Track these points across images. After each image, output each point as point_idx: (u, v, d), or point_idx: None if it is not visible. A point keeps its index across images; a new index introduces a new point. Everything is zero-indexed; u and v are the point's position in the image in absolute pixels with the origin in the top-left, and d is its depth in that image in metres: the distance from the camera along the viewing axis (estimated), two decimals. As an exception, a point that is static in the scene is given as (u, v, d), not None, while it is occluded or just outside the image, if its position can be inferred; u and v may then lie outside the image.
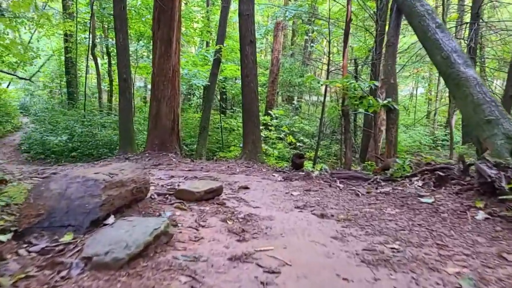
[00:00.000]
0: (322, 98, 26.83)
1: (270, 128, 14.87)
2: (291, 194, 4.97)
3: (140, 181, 3.82)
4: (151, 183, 5.86)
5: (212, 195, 4.50)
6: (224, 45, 14.77)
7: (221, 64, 15.71)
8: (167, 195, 4.45)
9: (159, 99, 10.43)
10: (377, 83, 7.09)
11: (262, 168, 7.45)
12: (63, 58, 24.34)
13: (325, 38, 18.83)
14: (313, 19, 17.68)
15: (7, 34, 21.65)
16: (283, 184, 5.57)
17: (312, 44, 23.49)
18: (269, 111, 14.81)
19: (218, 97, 18.27)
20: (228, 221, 3.64)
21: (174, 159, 9.46)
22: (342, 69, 8.17)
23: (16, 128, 22.02)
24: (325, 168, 7.24)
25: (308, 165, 12.47)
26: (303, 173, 6.47)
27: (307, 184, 5.59)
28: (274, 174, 6.49)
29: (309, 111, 25.28)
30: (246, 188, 5.29)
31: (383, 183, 5.76)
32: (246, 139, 9.13)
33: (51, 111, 20.32)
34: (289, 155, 16.23)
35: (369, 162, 12.13)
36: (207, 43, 22.22)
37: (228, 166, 7.79)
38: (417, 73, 25.88)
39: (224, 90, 17.10)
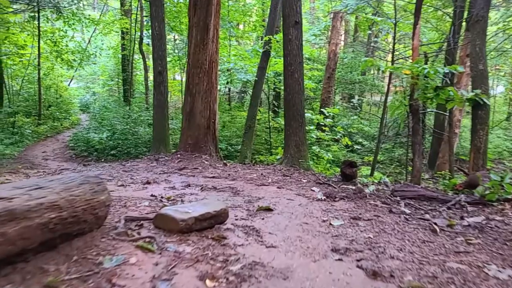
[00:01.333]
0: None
1: (323, 128, 13.12)
2: (330, 224, 3.32)
3: (76, 206, 2.39)
4: (152, 196, 4.51)
5: (209, 223, 2.99)
6: (275, 36, 13.26)
7: (270, 57, 14.21)
8: (143, 222, 3.01)
9: (193, 94, 9.14)
10: (461, 69, 5.18)
11: (302, 178, 5.82)
12: (120, 56, 24.25)
13: (390, 31, 16.67)
14: (377, 10, 15.64)
15: (66, 32, 21.78)
16: (322, 206, 3.92)
17: (375, 39, 21.27)
18: (322, 109, 13.07)
19: (268, 94, 16.82)
20: (209, 281, 2.13)
21: (206, 162, 8.11)
22: (412, 51, 6.29)
23: (73, 125, 22.02)
24: (385, 181, 5.46)
25: (365, 171, 10.58)
26: (353, 188, 4.78)
27: (357, 206, 3.89)
28: (313, 188, 4.84)
29: (370, 111, 23.00)
30: (269, 210, 3.72)
31: (470, 209, 3.91)
32: (288, 141, 7.54)
33: (103, 109, 20.04)
34: (345, 158, 14.34)
35: (442, 172, 10.05)
36: (262, 38, 20.85)
37: (262, 174, 6.26)
38: (497, 69, 22.67)
39: (276, 86, 15.57)
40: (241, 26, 25.29)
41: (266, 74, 14.26)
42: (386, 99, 8.19)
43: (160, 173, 6.76)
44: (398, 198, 4.32)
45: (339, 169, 11.01)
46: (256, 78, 13.22)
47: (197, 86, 9.11)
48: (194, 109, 9.10)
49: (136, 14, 18.22)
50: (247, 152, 12.72)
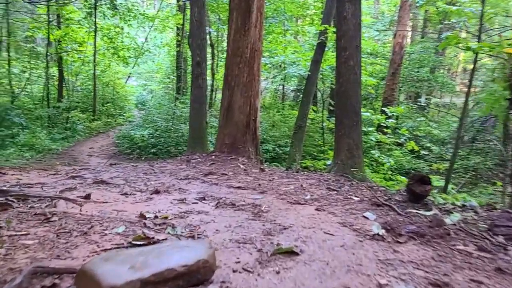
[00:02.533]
0: (456, 99, 21.68)
1: (385, 130, 11.36)
2: (393, 295, 1.89)
3: None
4: (144, 213, 3.32)
5: (174, 286, 1.70)
6: (331, 24, 11.74)
7: (326, 51, 12.68)
8: (64, 276, 1.78)
9: (231, 86, 7.93)
10: None
11: (354, 194, 4.34)
12: (175, 53, 23.81)
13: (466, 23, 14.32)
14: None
15: (122, 29, 21.66)
16: (379, 251, 2.46)
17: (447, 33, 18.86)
18: (384, 108, 11.32)
19: (323, 91, 15.21)
20: None
21: (241, 166, 6.85)
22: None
23: (127, 121, 21.83)
24: (472, 204, 3.86)
25: (435, 181, 8.73)
26: (428, 216, 3.25)
27: (438, 256, 2.38)
28: (367, 213, 3.36)
29: (438, 114, 20.49)
30: (292, 253, 2.35)
31: None
32: (339, 143, 6.03)
33: (155, 106, 19.58)
34: (409, 165, 12.42)
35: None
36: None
37: (301, 186, 4.86)
38: None
39: (332, 82, 13.97)
40: (300, 21, 23.82)
41: (321, 69, 12.74)
42: (468, 95, 6.41)
43: (182, 179, 5.60)
44: (501, 239, 2.75)
45: (403, 179, 9.29)
46: (309, 73, 11.78)
47: (236, 78, 7.88)
48: (232, 104, 7.89)
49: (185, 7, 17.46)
50: (296, 155, 11.31)
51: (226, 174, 5.80)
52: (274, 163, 11.04)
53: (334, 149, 6.30)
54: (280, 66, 16.09)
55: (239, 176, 5.68)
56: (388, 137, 10.93)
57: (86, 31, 20.63)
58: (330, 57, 13.10)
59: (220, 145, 8.00)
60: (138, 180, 5.54)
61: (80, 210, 3.45)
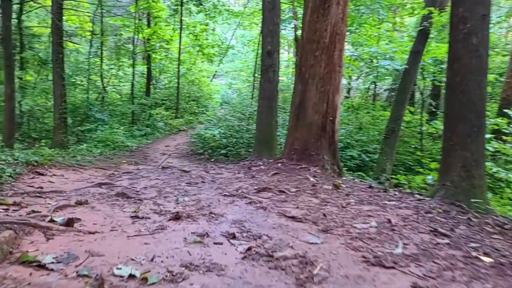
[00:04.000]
0: None
1: (504, 138, 8.89)
2: None
3: None
4: (122, 266, 2.01)
5: None
6: (437, 7, 9.58)
7: (429, 41, 10.48)
8: None
9: (305, 80, 6.40)
10: None
11: (480, 247, 2.58)
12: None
13: None
14: None
15: (207, 25, 21.25)
16: None
17: None
18: (506, 110, 8.84)
19: (423, 89, 12.81)
20: None
21: (310, 179, 5.30)
22: None
23: (208, 120, 21.37)
24: None
25: None
26: None
27: None
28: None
29: None
30: None
31: None
32: (449, 157, 4.09)
33: (237, 105, 18.73)
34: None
35: None
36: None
37: (389, 222, 3.17)
38: None
39: (434, 78, 11.62)
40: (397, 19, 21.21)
41: (422, 62, 10.56)
42: None
43: (226, 195, 4.24)
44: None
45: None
46: (407, 66, 9.74)
47: (311, 68, 6.34)
48: (305, 101, 6.36)
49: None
50: (386, 164, 9.37)
51: (284, 192, 4.31)
52: (358, 173, 9.23)
53: (440, 165, 4.42)
54: (371, 60, 14.06)
55: (302, 196, 4.15)
56: (510, 147, 8.46)
57: (172, 29, 20.55)
58: (434, 48, 10.83)
59: (289, 151, 6.53)
60: (172, 194, 4.32)
61: (39, 250, 2.28)
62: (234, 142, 11.02)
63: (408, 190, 5.47)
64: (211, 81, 26.73)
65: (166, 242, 2.61)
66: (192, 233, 2.82)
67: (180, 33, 19.45)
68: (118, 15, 18.83)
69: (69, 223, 2.71)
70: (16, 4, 12.68)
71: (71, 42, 15.75)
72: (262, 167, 6.42)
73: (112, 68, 18.33)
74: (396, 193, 4.92)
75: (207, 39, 21.57)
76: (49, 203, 3.59)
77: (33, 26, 14.75)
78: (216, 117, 14.67)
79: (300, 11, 15.85)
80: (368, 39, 13.32)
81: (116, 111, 17.20)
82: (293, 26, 17.15)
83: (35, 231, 2.53)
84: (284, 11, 17.74)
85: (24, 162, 5.87)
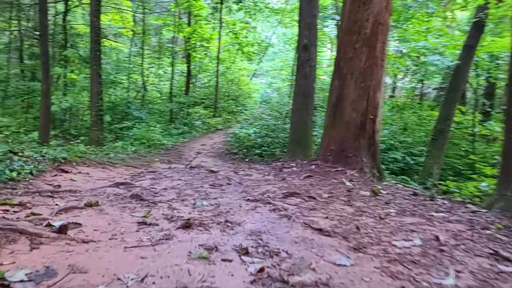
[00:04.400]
0: None
1: None
2: None
3: None
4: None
5: None
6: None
7: (484, 34, 9.59)
8: None
9: (343, 74, 5.86)
10: None
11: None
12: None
13: None
14: None
15: (247, 24, 20.95)
16: None
17: None
18: None
19: (476, 87, 11.75)
20: None
21: (346, 184, 4.79)
22: None
23: (246, 119, 21.14)
24: None
25: None
26: None
27: None
28: None
29: None
30: None
31: None
32: (509, 163, 3.47)
33: (268, 104, 18.34)
34: None
35: None
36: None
37: (436, 239, 2.63)
38: None
39: (489, 75, 10.61)
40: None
41: (475, 58, 9.68)
42: None
43: (250, 199, 3.84)
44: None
45: None
46: (458, 62, 8.91)
47: (349, 62, 5.80)
48: (342, 98, 5.83)
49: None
50: (434, 168, 8.62)
51: (314, 198, 3.84)
52: (402, 177, 8.53)
53: (499, 171, 3.78)
54: (419, 57, 13.18)
55: (334, 204, 3.66)
56: None
57: (212, 27, 20.43)
58: (489, 42, 9.89)
59: (324, 152, 6.02)
60: (192, 197, 3.97)
61: (16, 263, 1.97)
62: (269, 142, 10.62)
63: (459, 199, 4.81)
64: (250, 80, 26.46)
65: (167, 256, 2.24)
66: (200, 245, 2.43)
67: (220, 31, 19.30)
68: (159, 12, 18.94)
69: (63, 229, 2.41)
70: (54, 2, 12.97)
71: (109, 40, 15.95)
72: (294, 169, 5.95)
73: (151, 67, 18.44)
74: (445, 202, 4.29)
75: (246, 37, 21.29)
76: (57, 204, 3.34)
77: (76, 24, 15.06)
78: (252, 116, 14.30)
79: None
80: (415, 33, 12.46)
81: (154, 109, 17.28)
82: (336, 23, 16.48)
83: (21, 238, 2.24)
84: (326, 8, 17.12)
85: (50, 159, 5.76)
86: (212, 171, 5.99)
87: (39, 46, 8.40)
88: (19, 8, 13.08)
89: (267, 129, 11.07)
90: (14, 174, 4.14)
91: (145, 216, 3.08)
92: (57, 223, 2.60)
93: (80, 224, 2.70)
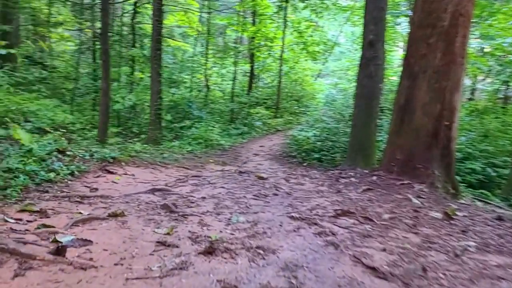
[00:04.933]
0: None
1: None
2: None
3: None
4: None
5: None
6: None
7: None
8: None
9: (414, 73, 5.08)
10: None
11: None
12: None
13: None
14: None
15: (316, 23, 20.28)
16: None
17: None
18: None
19: None
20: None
21: (413, 201, 4.06)
22: None
23: (307, 121, 20.49)
24: None
25: None
26: None
27: None
28: None
29: None
30: None
31: None
32: None
33: (334, 105, 17.47)
34: None
35: None
36: None
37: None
38: None
39: None
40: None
41: None
42: None
43: (294, 217, 3.30)
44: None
45: None
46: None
47: (422, 59, 5.01)
48: (412, 100, 5.05)
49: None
50: (521, 183, 7.43)
51: (371, 220, 3.20)
52: (481, 191, 7.43)
53: None
54: (504, 56, 11.71)
55: (395, 230, 3.00)
56: None
57: (276, 26, 20.02)
58: None
59: (388, 161, 5.28)
60: (230, 210, 3.52)
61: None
62: (329, 146, 9.92)
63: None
64: (315, 80, 25.64)
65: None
66: (218, 281, 1.96)
67: (284, 30, 18.83)
68: (224, 12, 18.91)
69: (61, 251, 2.06)
70: (122, 1, 13.31)
71: (171, 39, 16.15)
72: (352, 179, 5.29)
73: (214, 67, 18.46)
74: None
75: (312, 36, 20.60)
76: (80, 212, 3.05)
77: (144, 24, 15.41)
78: (313, 118, 13.64)
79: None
80: (501, 29, 11.03)
81: (215, 109, 17.24)
82: (409, 20, 15.26)
83: (10, 260, 1.92)
84: (399, 4, 15.97)
85: (99, 158, 5.63)
86: (262, 178, 5.51)
87: (100, 44, 8.51)
88: (87, 8, 13.65)
89: (328, 133, 10.37)
90: (52, 175, 3.98)
91: (168, 233, 2.68)
92: (64, 239, 2.28)
93: (90, 242, 2.36)
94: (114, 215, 2.99)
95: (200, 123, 12.79)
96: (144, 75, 14.59)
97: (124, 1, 13.95)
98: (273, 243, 2.59)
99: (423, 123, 4.96)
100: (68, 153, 5.17)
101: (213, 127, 13.14)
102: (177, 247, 2.44)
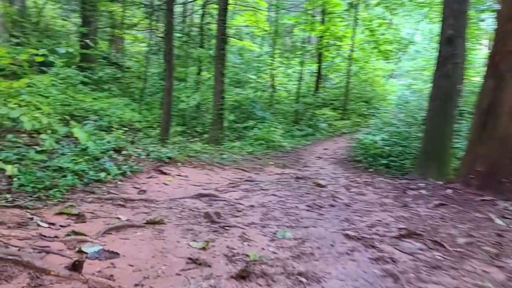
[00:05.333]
0: None
1: None
2: None
3: None
4: None
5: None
6: None
7: None
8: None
9: (500, 73, 4.35)
10: None
11: None
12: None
13: None
14: None
15: (389, 21, 19.20)
16: None
17: None
18: None
19: None
20: None
21: (497, 222, 3.44)
22: None
23: (375, 123, 19.50)
24: None
25: None
26: None
27: None
28: None
29: None
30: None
31: None
32: None
33: (406, 107, 16.32)
34: None
35: None
36: None
37: None
38: None
39: None
40: None
41: None
42: None
43: (348, 236, 2.89)
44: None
45: None
46: None
47: (510, 57, 4.29)
48: (497, 103, 4.34)
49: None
50: None
51: (442, 246, 2.68)
52: None
53: None
54: None
55: (472, 260, 2.47)
56: None
57: (346, 24, 19.26)
58: None
59: (466, 173, 4.60)
60: (278, 222, 3.20)
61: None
62: (399, 152, 9.15)
63: None
64: (386, 81, 24.32)
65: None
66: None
67: (355, 28, 18.03)
68: (292, 10, 18.56)
69: (77, 266, 1.87)
70: (185, 3, 13.47)
71: (236, 39, 16.12)
72: (423, 191, 4.69)
73: (280, 66, 18.19)
74: None
75: (384, 34, 19.52)
76: (119, 218, 2.91)
77: (212, 24, 15.56)
78: (381, 121, 12.80)
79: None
80: None
81: (279, 109, 16.95)
82: (496, 15, 13.79)
83: (22, 274, 1.77)
84: (484, -1, 14.51)
85: (154, 158, 5.60)
86: (320, 185, 5.11)
87: (164, 44, 8.61)
88: (157, 10, 14.04)
89: (397, 137, 9.59)
90: (102, 175, 3.94)
91: (203, 248, 2.43)
92: (91, 249, 2.12)
93: (117, 254, 2.17)
94: (152, 223, 2.80)
95: (263, 124, 12.56)
96: (210, 75, 14.73)
97: (192, 1, 14.14)
98: (320, 268, 2.22)
99: (510, 130, 4.24)
100: (124, 152, 5.16)
101: (276, 128, 12.85)
102: (209, 266, 2.17)
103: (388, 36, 19.52)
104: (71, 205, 3.00)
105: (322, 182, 5.30)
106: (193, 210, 3.33)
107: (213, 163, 7.29)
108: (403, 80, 27.30)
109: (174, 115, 13.47)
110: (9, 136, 3.68)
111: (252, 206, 3.69)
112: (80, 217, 2.75)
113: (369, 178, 7.29)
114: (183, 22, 14.83)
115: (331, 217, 3.51)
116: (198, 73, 15.03)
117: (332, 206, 3.97)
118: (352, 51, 18.48)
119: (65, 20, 15.25)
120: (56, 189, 3.22)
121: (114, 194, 3.62)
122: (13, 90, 4.00)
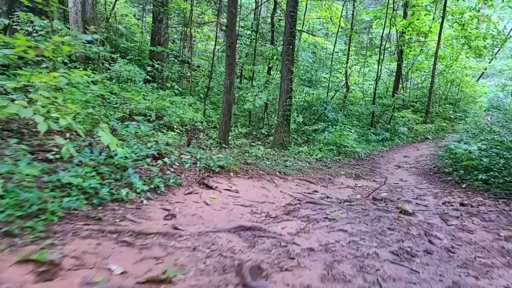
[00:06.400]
0: None
1: None
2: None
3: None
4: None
5: None
6: None
7: None
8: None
9: None
10: None
11: None
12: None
13: None
14: None
15: (478, 11, 16.72)
16: None
17: None
18: None
19: None
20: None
21: None
22: None
23: (466, 129, 17.16)
24: None
25: None
26: None
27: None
28: None
29: None
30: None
31: None
32: None
33: (508, 110, 13.94)
34: None
35: None
36: None
37: None
38: None
39: None
40: None
41: None
42: None
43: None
44: None
45: None
46: None
47: None
48: None
49: None
50: None
51: None
52: None
53: None
54: None
55: None
56: None
57: (432, 19, 17.14)
58: None
59: None
60: (347, 285, 2.07)
61: None
62: (502, 165, 7.38)
63: None
64: (477, 81, 21.50)
65: None
66: None
67: (442, 22, 15.90)
68: (369, 4, 16.93)
69: None
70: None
71: (309, 34, 14.89)
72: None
73: (355, 65, 16.63)
74: None
75: (477, 28, 17.04)
76: (112, 270, 1.98)
77: (282, 19, 14.56)
78: (477, 126, 10.85)
79: None
80: None
81: (353, 111, 15.44)
82: None
83: None
84: None
85: (202, 167, 4.70)
86: (406, 212, 3.83)
87: (225, 37, 7.76)
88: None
89: (499, 146, 7.80)
90: (123, 192, 3.05)
91: None
92: None
93: None
94: (155, 281, 1.83)
95: (335, 127, 11.26)
96: (279, 73, 13.75)
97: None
98: None
99: None
100: (166, 159, 4.32)
101: (349, 131, 11.47)
102: None
103: (481, 31, 17.01)
104: (51, 244, 2.12)
105: (409, 208, 4.00)
106: (224, 257, 2.31)
107: (274, 172, 6.27)
108: (494, 80, 24.14)
109: (239, 115, 12.65)
110: (12, 141, 2.96)
111: (311, 250, 2.58)
112: (48, 271, 1.85)
113: (465, 198, 5.81)
114: (254, 19, 14.04)
115: (429, 277, 2.29)
116: (268, 72, 14.11)
117: (429, 253, 2.72)
118: (438, 47, 16.32)
119: (138, 18, 15.22)
120: (39, 218, 2.34)
121: (128, 221, 2.72)
122: (39, 84, 3.29)
